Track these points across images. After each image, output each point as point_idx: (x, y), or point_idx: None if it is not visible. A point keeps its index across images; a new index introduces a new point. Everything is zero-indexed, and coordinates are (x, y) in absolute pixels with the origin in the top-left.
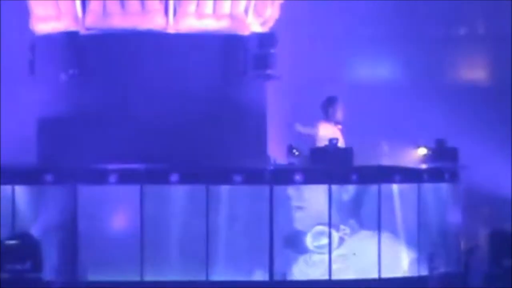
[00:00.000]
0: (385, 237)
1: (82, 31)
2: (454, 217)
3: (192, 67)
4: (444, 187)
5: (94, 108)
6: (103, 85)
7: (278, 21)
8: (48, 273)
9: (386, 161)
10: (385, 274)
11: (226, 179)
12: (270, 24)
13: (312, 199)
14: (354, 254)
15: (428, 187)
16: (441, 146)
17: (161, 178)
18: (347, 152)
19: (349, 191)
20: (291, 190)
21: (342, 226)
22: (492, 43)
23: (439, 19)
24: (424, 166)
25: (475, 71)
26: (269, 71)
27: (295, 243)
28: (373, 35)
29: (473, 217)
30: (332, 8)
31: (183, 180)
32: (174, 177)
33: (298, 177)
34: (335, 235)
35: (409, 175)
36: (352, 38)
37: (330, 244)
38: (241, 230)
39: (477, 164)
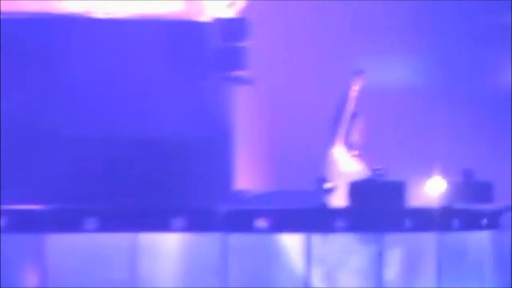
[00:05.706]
0: None
1: None
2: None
3: (128, 66)
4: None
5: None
6: (15, 87)
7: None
8: None
9: None
10: None
11: (248, 226)
12: (240, 6)
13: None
14: None
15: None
16: (469, 178)
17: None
18: (398, 188)
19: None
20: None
21: None
22: None
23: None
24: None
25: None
26: (238, 73)
27: None
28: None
29: None
30: None
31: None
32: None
33: (340, 223)
34: None
35: (469, 219)
36: (352, 28)
37: None
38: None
39: None
